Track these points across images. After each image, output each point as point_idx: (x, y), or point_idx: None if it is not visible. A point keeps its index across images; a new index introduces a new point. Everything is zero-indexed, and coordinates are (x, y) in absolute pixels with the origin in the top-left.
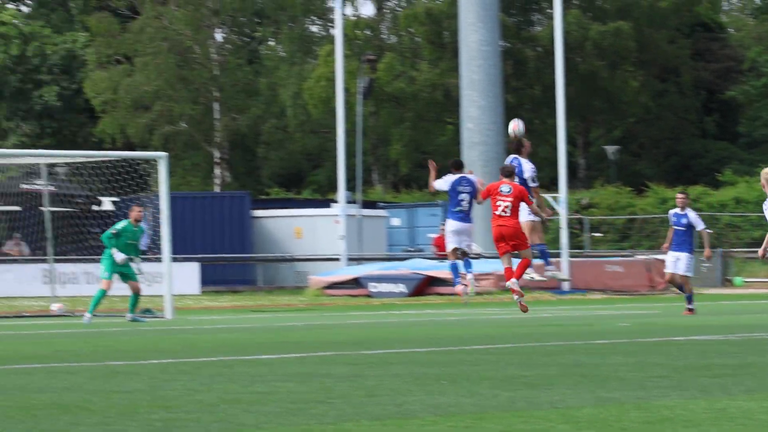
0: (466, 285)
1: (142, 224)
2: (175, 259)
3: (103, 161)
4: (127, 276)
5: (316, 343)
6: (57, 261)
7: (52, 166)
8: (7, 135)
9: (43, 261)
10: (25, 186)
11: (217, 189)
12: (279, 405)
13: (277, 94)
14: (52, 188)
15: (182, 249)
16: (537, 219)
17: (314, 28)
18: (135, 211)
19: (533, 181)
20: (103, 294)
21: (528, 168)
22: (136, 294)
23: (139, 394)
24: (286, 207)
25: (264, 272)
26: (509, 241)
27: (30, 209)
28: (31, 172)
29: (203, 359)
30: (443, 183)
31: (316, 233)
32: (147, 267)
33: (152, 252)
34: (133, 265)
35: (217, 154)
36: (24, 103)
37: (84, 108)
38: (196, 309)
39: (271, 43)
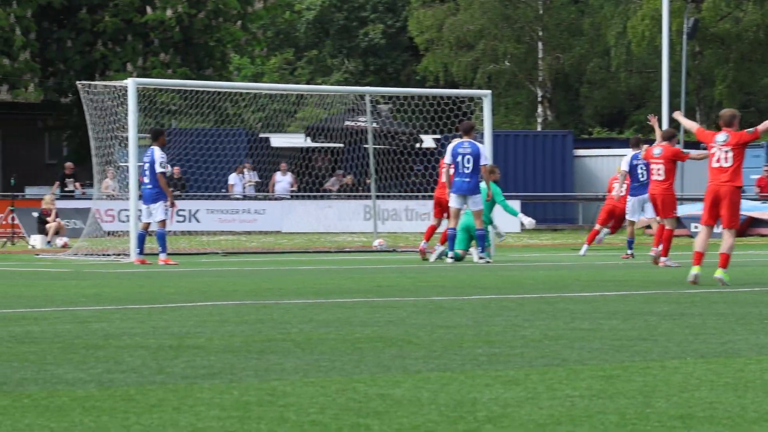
0: None
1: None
2: None
3: (426, 99)
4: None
5: (638, 282)
6: (379, 197)
7: (375, 103)
8: (331, 72)
9: (366, 197)
10: (348, 123)
11: (539, 128)
12: (602, 342)
13: (601, 34)
14: (375, 125)
15: (504, 187)
16: None
17: None
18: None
19: None
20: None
21: None
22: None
23: (464, 329)
24: (608, 146)
25: (585, 211)
26: None
27: (353, 146)
28: (355, 109)
29: (525, 296)
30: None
31: None
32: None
33: None
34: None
35: (539, 92)
36: (348, 40)
37: (408, 46)
38: (517, 246)
39: None
